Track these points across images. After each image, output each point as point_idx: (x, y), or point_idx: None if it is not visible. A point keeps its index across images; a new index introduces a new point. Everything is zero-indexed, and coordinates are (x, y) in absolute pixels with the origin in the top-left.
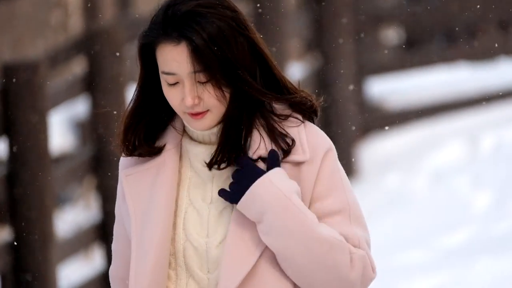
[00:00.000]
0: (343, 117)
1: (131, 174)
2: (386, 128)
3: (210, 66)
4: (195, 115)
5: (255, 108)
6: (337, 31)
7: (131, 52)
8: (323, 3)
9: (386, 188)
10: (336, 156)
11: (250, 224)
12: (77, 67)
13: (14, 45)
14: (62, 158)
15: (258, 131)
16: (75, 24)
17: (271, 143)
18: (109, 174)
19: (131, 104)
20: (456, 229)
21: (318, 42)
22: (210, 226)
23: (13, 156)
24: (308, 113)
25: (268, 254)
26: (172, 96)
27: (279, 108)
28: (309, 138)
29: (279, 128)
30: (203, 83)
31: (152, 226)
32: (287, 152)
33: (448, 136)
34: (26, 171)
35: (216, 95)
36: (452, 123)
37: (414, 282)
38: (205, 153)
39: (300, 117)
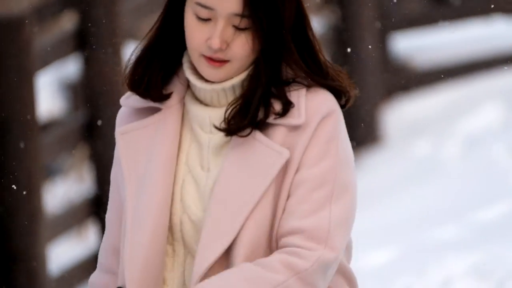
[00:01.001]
0: (365, 77)
1: (127, 133)
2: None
3: (258, 13)
4: (214, 61)
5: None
6: None
7: (128, 6)
8: None
9: (414, 156)
10: (339, 124)
11: (232, 198)
12: (67, 22)
13: None
14: (51, 125)
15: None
16: None
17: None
18: (104, 142)
19: (148, 36)
20: (492, 202)
21: None
22: (207, 197)
23: None
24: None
25: (249, 226)
26: (197, 33)
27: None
28: (308, 101)
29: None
30: (239, 29)
31: (149, 194)
32: (280, 114)
33: (483, 98)
34: (10, 139)
35: (246, 47)
36: (487, 83)
37: (447, 260)
38: (208, 115)
39: (305, 82)
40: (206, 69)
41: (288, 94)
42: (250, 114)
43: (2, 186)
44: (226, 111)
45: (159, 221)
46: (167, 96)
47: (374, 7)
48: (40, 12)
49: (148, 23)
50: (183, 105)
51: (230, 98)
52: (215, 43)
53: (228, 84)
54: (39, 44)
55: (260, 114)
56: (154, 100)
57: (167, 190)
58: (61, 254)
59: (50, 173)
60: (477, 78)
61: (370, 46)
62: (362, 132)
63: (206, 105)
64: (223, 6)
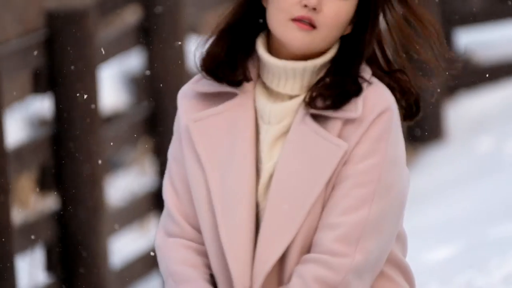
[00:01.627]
0: (428, 73)
1: (200, 120)
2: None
3: None
4: (304, 24)
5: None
6: None
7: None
8: None
9: (477, 152)
10: (394, 122)
11: (292, 192)
12: (131, 15)
13: None
14: (114, 118)
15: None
16: None
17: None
18: (167, 135)
19: (225, 17)
20: None
21: None
22: (261, 189)
23: (59, 116)
24: (404, 106)
25: (308, 220)
26: None
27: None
28: (366, 95)
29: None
30: None
31: (236, 179)
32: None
33: None
34: (73, 132)
35: (338, 16)
36: None
37: (508, 256)
38: (269, 108)
39: (367, 76)
40: (292, 31)
41: (349, 85)
42: (334, 93)
43: (65, 179)
44: (317, 86)
45: (251, 205)
46: (243, 81)
47: (437, 3)
48: (103, 5)
49: (211, 16)
50: (254, 93)
51: (297, 84)
52: (313, 1)
53: (300, 65)
54: (102, 37)
55: (319, 103)
56: (231, 84)
57: (252, 181)
58: (123, 247)
59: (112, 166)
60: None
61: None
62: (425, 129)
63: (270, 94)
64: None
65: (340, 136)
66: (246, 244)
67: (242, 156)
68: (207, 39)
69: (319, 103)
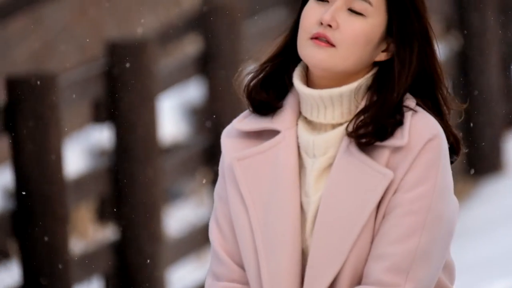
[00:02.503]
0: (488, 105)
1: (244, 159)
2: None
3: (390, 2)
4: (320, 41)
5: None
6: (482, 7)
7: (250, 30)
8: None
9: None
10: (442, 150)
11: (338, 222)
12: (190, 46)
13: (120, 21)
14: (172, 148)
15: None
16: None
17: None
18: None
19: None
20: None
21: (460, 19)
22: (309, 223)
23: (118, 146)
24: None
25: (355, 250)
26: (312, 13)
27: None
28: (413, 123)
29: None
30: (354, 13)
31: (279, 219)
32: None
33: None
34: (132, 162)
35: (357, 33)
36: None
37: None
38: (312, 140)
39: (412, 105)
40: (310, 49)
41: (396, 115)
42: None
43: (123, 209)
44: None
45: (295, 248)
46: (285, 116)
47: (498, 34)
48: (163, 35)
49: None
50: (297, 128)
51: (337, 112)
52: (326, 16)
53: (336, 91)
54: (162, 67)
55: (363, 131)
56: (274, 120)
57: (297, 219)
58: (182, 277)
59: (170, 196)
60: None
61: (493, 73)
62: (484, 160)
63: (313, 127)
64: None
65: (388, 164)
66: (289, 286)
67: (286, 195)
68: (252, 72)
69: (363, 133)
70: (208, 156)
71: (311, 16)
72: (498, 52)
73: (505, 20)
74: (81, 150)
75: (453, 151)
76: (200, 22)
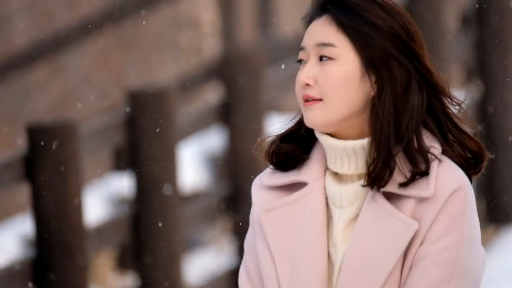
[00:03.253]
0: (507, 153)
1: (272, 210)
2: None
3: (350, 36)
4: (308, 101)
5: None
6: (502, 56)
7: (271, 78)
8: (487, 23)
9: None
10: (469, 200)
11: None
12: (210, 94)
13: (140, 69)
14: (193, 196)
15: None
16: (209, 46)
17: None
18: (246, 214)
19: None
20: None
21: (480, 68)
22: (336, 274)
23: (139, 194)
24: (466, 165)
25: None
26: (297, 78)
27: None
28: (439, 173)
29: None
30: (326, 60)
31: (307, 272)
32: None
33: None
34: (152, 210)
35: (332, 77)
36: None
37: None
38: (339, 190)
39: (437, 152)
40: (305, 113)
41: (420, 163)
42: (384, 159)
43: (143, 257)
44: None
45: None
46: (313, 169)
47: None
48: (184, 83)
49: (292, 96)
50: (324, 181)
51: (361, 161)
52: (301, 78)
53: (358, 143)
54: (182, 115)
55: (399, 178)
56: (301, 173)
57: (324, 270)
58: None
59: (190, 244)
60: None
61: None
62: (506, 208)
63: (339, 178)
64: (310, 40)
65: (413, 215)
66: None
67: (313, 246)
68: (272, 137)
69: (374, 179)
70: (228, 205)
71: (297, 82)
72: None
73: None
74: (101, 198)
75: (477, 159)
76: (221, 70)
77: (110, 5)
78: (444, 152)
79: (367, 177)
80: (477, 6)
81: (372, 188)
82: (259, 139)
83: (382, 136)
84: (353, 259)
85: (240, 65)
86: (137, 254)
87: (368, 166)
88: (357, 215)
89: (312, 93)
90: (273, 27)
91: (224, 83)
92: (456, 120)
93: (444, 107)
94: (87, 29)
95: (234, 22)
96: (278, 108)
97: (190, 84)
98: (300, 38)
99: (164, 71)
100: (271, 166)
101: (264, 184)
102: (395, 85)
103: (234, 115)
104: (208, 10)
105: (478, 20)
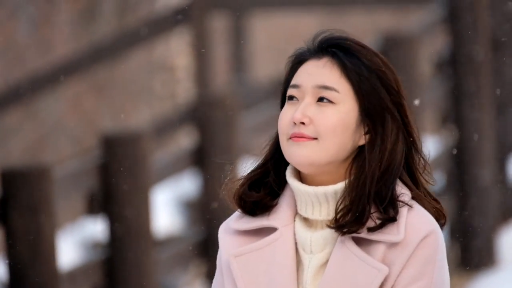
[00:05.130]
0: (483, 200)
1: (241, 255)
2: None
3: (354, 83)
4: (298, 137)
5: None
6: (477, 102)
7: (245, 123)
8: (461, 69)
9: None
10: (440, 245)
11: None
12: (184, 138)
13: (114, 114)
14: (166, 241)
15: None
16: (183, 90)
17: (379, 212)
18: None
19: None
20: None
21: (455, 114)
22: None
23: (112, 238)
24: (435, 213)
25: None
26: (286, 114)
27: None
28: (409, 219)
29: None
30: (323, 102)
31: None
32: (376, 228)
33: None
34: (126, 254)
35: (331, 121)
36: None
37: None
38: (310, 236)
39: (406, 199)
40: (292, 148)
41: (389, 210)
42: (358, 210)
43: None
44: (336, 208)
45: None
46: (282, 215)
47: (491, 129)
48: (158, 128)
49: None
50: (294, 226)
51: (332, 207)
52: (297, 115)
53: (330, 189)
54: (156, 159)
55: (368, 223)
56: (270, 218)
57: None
58: None
59: None
60: None
61: (487, 168)
62: (479, 255)
63: (310, 224)
64: (308, 80)
65: (384, 260)
66: None
67: None
68: (241, 179)
69: (343, 223)
70: (201, 249)
71: (285, 118)
72: (494, 146)
73: (501, 113)
74: (75, 242)
75: (439, 216)
76: (195, 115)
77: (84, 49)
78: (414, 199)
79: (334, 222)
80: (451, 51)
81: (341, 233)
82: (226, 180)
83: (361, 188)
84: None
85: (214, 110)
86: None
87: (337, 212)
88: (327, 261)
89: (307, 132)
90: (247, 72)
91: (198, 128)
92: (421, 178)
93: (414, 162)
94: (60, 73)
95: (208, 66)
96: (251, 152)
97: (164, 128)
98: (274, 83)
99: (138, 116)
100: (239, 210)
101: (231, 228)
102: (387, 139)
103: (208, 159)
104: (182, 55)
105: (453, 66)
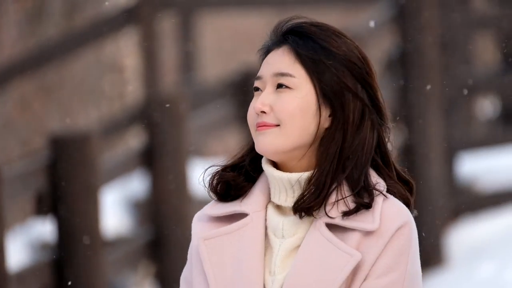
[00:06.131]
0: (430, 198)
1: (210, 238)
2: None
3: (307, 67)
4: (261, 126)
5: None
6: (425, 101)
7: (194, 123)
8: (409, 69)
9: (479, 278)
10: (414, 236)
11: None
12: (133, 139)
13: (63, 114)
14: (115, 241)
15: (339, 184)
16: (132, 91)
17: (354, 198)
18: (169, 259)
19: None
20: None
21: (403, 113)
22: None
23: (61, 239)
24: (407, 205)
25: None
26: (251, 106)
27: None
28: (384, 208)
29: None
30: (281, 89)
31: None
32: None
33: None
34: (75, 255)
35: (290, 105)
36: None
37: None
38: (282, 221)
39: (381, 188)
40: (257, 138)
41: (364, 197)
42: (321, 194)
43: None
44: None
45: None
46: (255, 201)
47: (441, 127)
48: (107, 128)
49: (214, 140)
50: (265, 212)
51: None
52: (256, 105)
53: (304, 176)
54: (105, 160)
55: (333, 213)
56: (242, 204)
57: None
58: None
59: None
60: None
61: (435, 167)
62: (426, 254)
63: (283, 210)
64: (267, 69)
65: (359, 248)
66: None
67: (249, 275)
68: (218, 165)
69: (305, 206)
70: (150, 250)
71: (251, 110)
72: (441, 144)
73: (448, 112)
74: (23, 243)
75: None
76: (143, 115)
77: (32, 50)
78: (388, 190)
79: (294, 205)
80: (400, 51)
81: (300, 216)
82: (206, 168)
83: (324, 169)
84: (291, 286)
85: (162, 110)
86: None
87: (303, 195)
88: (298, 246)
89: (268, 119)
90: (195, 72)
91: (146, 128)
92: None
93: (386, 145)
94: (8, 74)
95: (156, 67)
96: (201, 153)
97: (112, 128)
98: (223, 83)
99: (87, 116)
100: (214, 196)
101: (205, 214)
102: (347, 119)
103: (156, 160)
104: (131, 55)
105: (402, 65)
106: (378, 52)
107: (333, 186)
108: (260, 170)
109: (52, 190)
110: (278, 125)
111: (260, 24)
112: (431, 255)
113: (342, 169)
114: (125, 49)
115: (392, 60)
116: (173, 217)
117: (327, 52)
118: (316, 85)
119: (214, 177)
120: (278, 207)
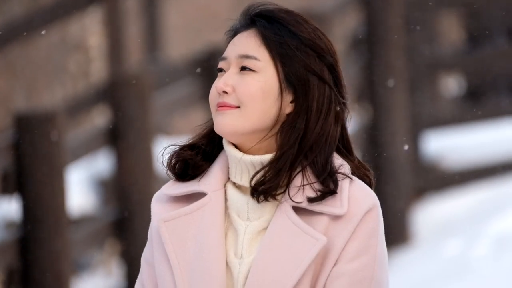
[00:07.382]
0: (396, 176)
1: (170, 220)
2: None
3: (272, 51)
4: (222, 106)
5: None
6: (390, 80)
7: (159, 102)
8: (375, 48)
9: (444, 256)
10: (380, 219)
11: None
12: (99, 117)
13: (28, 93)
14: (81, 220)
15: (303, 169)
16: (97, 69)
17: (320, 184)
18: (134, 237)
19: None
20: None
21: (369, 91)
22: (240, 285)
23: (26, 217)
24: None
25: None
26: (213, 86)
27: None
28: (351, 192)
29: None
30: (247, 71)
31: (205, 282)
32: (316, 199)
33: None
34: (40, 234)
35: (252, 88)
36: None
37: None
38: (246, 202)
39: (347, 171)
40: (217, 118)
41: (330, 181)
42: (277, 179)
43: (31, 281)
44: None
45: None
46: (213, 180)
47: (407, 106)
48: (72, 107)
49: (179, 119)
50: (224, 191)
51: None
52: (219, 84)
53: (266, 157)
54: (70, 138)
55: (299, 198)
56: (201, 184)
57: (222, 279)
58: None
59: (78, 267)
60: (508, 179)
61: (401, 146)
62: (392, 231)
63: (243, 191)
64: (233, 51)
65: (327, 232)
66: None
67: (211, 255)
68: (177, 144)
69: (261, 190)
70: (116, 228)
71: (212, 89)
72: (407, 123)
73: (413, 90)
74: None
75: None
76: (108, 94)
77: None
78: (353, 172)
79: (252, 188)
80: (365, 30)
81: (258, 200)
82: (166, 147)
83: (283, 154)
84: (258, 272)
85: (127, 89)
86: (25, 277)
87: (258, 178)
88: (265, 228)
89: (229, 100)
90: (160, 51)
91: (112, 107)
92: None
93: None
94: None
95: (121, 45)
96: (166, 131)
97: (78, 107)
98: (188, 62)
99: (52, 95)
100: (172, 176)
101: (164, 194)
102: (311, 107)
103: (122, 138)
104: (95, 34)
105: (367, 44)
106: (342, 31)
107: (297, 171)
108: (218, 150)
109: (18, 168)
110: (239, 107)
111: (226, 3)
112: (397, 233)
113: (305, 156)
114: (90, 28)
115: (356, 39)
116: (139, 195)
117: (295, 36)
118: (280, 70)
119: (172, 156)
120: (238, 187)
